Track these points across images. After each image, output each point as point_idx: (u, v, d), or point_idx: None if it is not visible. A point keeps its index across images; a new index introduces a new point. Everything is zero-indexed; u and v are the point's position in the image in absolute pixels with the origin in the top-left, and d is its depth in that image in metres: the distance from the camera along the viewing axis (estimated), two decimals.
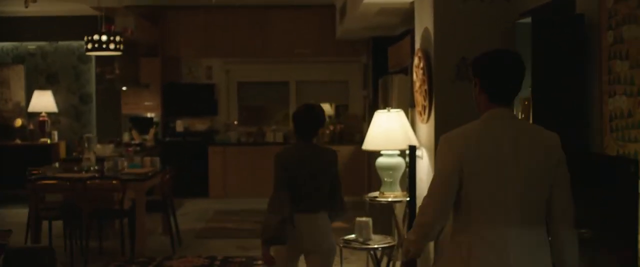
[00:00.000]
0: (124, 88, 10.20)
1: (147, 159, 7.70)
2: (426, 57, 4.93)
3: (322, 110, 4.28)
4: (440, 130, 4.69)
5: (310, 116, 4.17)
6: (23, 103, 10.78)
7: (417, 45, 5.38)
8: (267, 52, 10.59)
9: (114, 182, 6.52)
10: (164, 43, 10.57)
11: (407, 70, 6.52)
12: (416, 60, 5.26)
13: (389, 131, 5.16)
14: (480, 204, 2.61)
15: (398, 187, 5.32)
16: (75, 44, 10.56)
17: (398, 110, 5.33)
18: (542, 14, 4.09)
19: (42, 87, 10.73)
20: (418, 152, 5.25)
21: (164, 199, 7.08)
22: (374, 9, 6.92)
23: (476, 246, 2.60)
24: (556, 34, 3.58)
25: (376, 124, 5.27)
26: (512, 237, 2.57)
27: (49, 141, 10.28)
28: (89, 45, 7.13)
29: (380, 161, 5.28)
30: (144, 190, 6.73)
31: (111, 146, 8.54)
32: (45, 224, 6.79)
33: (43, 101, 10.47)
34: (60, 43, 10.79)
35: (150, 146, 10.04)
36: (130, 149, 8.12)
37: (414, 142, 5.18)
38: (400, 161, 5.30)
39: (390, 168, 5.27)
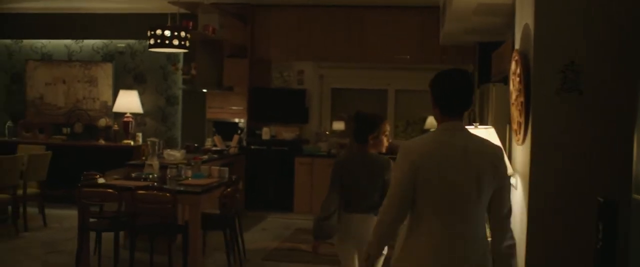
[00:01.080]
0: (204, 90, 9.55)
1: (215, 169, 6.96)
2: (524, 61, 3.87)
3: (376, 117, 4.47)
4: (539, 154, 3.67)
5: (368, 122, 4.40)
6: (110, 102, 10.40)
7: (516, 47, 4.31)
8: (365, 56, 9.64)
9: (165, 194, 5.78)
10: (253, 43, 9.86)
11: (508, 79, 5.41)
12: (513, 66, 4.19)
13: None
14: (431, 206, 2.89)
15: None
16: None
17: (488, 127, 4.26)
18: None
19: (130, 87, 10.31)
20: (512, 181, 4.18)
21: (223, 214, 6.29)
22: (470, 6, 5.85)
23: (427, 243, 2.89)
24: None
25: None
26: (458, 236, 2.87)
27: (131, 143, 9.81)
28: (151, 41, 6.46)
29: None
30: (199, 204, 5.96)
31: (182, 151, 7.88)
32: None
33: (128, 101, 10.02)
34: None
35: (234, 153, 9.35)
36: (198, 157, 7.40)
37: (508, 168, 4.09)
38: None
39: None
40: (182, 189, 6.01)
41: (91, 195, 5.97)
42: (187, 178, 6.58)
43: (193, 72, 8.50)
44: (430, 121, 10.25)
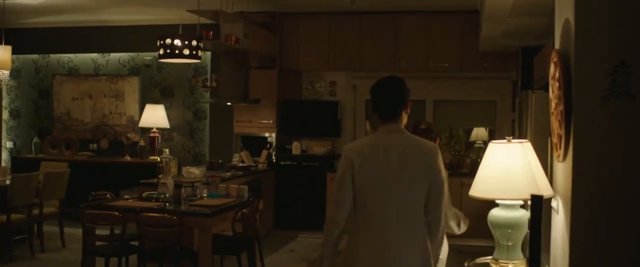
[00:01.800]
0: (228, 103, 9.09)
1: (234, 187, 6.49)
2: (564, 62, 3.27)
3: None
4: (582, 173, 3.09)
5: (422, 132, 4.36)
6: (136, 117, 10.04)
7: (555, 47, 3.71)
8: (400, 65, 9.05)
9: (172, 217, 5.31)
10: (282, 53, 9.37)
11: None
12: (552, 69, 3.59)
13: (509, 172, 3.54)
14: (369, 203, 3.16)
15: (520, 254, 3.67)
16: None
17: (522, 141, 3.66)
18: None
19: (157, 101, 9.94)
20: (553, 204, 3.59)
21: (236, 237, 5.77)
22: (507, 5, 5.24)
23: (364, 237, 3.16)
24: None
25: (490, 160, 3.65)
26: (392, 227, 3.13)
27: (158, 159, 9.39)
28: (161, 51, 6.01)
29: (495, 214, 3.67)
30: (209, 226, 5.47)
31: (202, 168, 7.41)
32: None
33: (154, 116, 9.65)
34: None
35: (262, 169, 8.86)
36: (216, 174, 6.92)
37: (545, 189, 3.52)
38: (523, 216, 3.66)
39: (509, 225, 3.63)
40: (191, 210, 5.53)
41: (94, 217, 5.53)
42: (202, 198, 6.12)
43: (214, 84, 8.03)
44: (476, 133, 9.63)
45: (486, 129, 9.57)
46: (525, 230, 3.66)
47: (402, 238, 3.13)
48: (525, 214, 3.66)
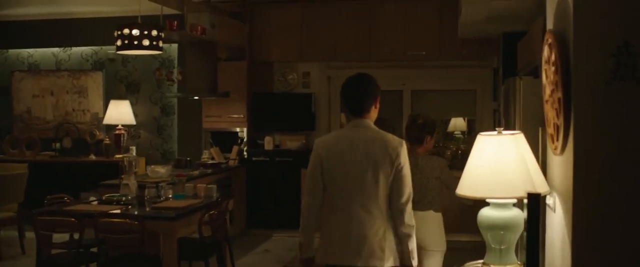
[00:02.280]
0: (195, 97, 8.66)
1: (201, 187, 6.08)
2: (561, 44, 2.92)
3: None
4: (584, 167, 2.75)
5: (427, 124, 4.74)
6: (101, 114, 9.56)
7: (549, 27, 3.35)
8: (376, 54, 8.68)
9: (133, 222, 4.88)
10: (252, 44, 8.94)
11: (538, 71, 4.44)
12: (545, 52, 3.23)
13: (500, 167, 3.17)
14: (336, 190, 3.42)
15: (513, 257, 3.31)
16: None
17: (515, 132, 3.29)
18: None
19: (122, 97, 9.47)
20: (548, 201, 3.25)
21: (202, 241, 5.36)
22: None
23: (332, 221, 3.45)
24: None
25: (478, 155, 3.28)
26: (355, 215, 3.39)
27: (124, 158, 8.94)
28: (118, 42, 5.57)
29: (486, 215, 3.31)
30: (174, 231, 5.05)
31: (168, 167, 6.99)
32: None
33: (120, 112, 9.17)
34: None
35: (233, 166, 8.44)
36: (182, 173, 6.50)
37: (541, 185, 3.17)
38: (517, 216, 3.30)
39: (502, 227, 3.26)
40: (153, 213, 5.11)
41: (48, 224, 5.08)
42: (167, 199, 5.70)
43: (179, 77, 7.59)
44: (454, 123, 9.29)
45: (464, 119, 9.24)
46: (519, 231, 3.30)
47: (367, 226, 3.39)
48: (519, 214, 3.29)
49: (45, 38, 9.77)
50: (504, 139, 3.21)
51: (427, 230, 4.51)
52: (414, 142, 4.63)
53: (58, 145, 9.60)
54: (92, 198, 6.11)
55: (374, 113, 3.53)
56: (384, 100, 9.18)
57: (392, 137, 3.49)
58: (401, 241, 3.46)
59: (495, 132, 3.28)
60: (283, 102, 9.02)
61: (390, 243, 3.44)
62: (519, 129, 4.42)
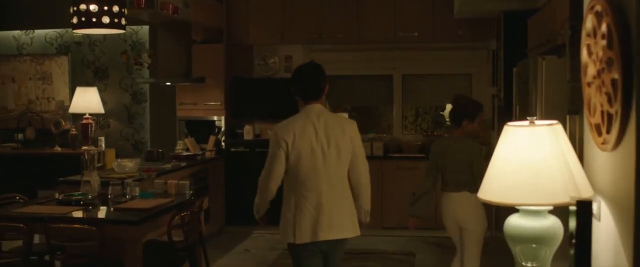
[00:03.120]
0: (168, 83, 7.97)
1: (172, 183, 5.42)
2: (616, 10, 2.28)
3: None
4: None
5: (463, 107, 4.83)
6: (67, 102, 8.83)
7: None
8: (364, 35, 8.03)
9: (91, 227, 4.21)
10: (229, 25, 8.25)
11: (561, 50, 3.80)
12: (589, 22, 2.59)
13: (535, 166, 2.58)
14: (301, 171, 3.70)
15: None
16: (128, 30, 8.39)
17: (552, 122, 2.66)
18: None
19: (89, 83, 8.75)
20: (593, 208, 2.64)
21: (172, 245, 4.70)
22: None
23: (299, 201, 3.72)
24: None
25: (505, 151, 2.67)
26: (323, 193, 3.69)
27: (93, 149, 8.22)
28: (74, 19, 4.86)
29: (514, 224, 2.71)
30: (140, 236, 4.39)
31: (137, 161, 6.31)
32: None
33: (87, 100, 8.41)
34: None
35: (210, 158, 7.77)
36: (151, 168, 5.82)
37: (585, 188, 2.55)
38: (554, 226, 2.69)
39: (535, 239, 2.68)
40: (114, 217, 4.44)
41: None
42: (133, 198, 5.03)
43: (148, 60, 6.88)
44: (448, 110, 8.67)
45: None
46: (556, 245, 2.69)
47: (332, 201, 3.71)
48: (555, 223, 2.68)
49: (5, 20, 8.99)
50: (539, 131, 2.60)
51: (463, 210, 4.64)
52: (453, 124, 4.80)
53: (20, 136, 8.87)
54: (50, 197, 5.41)
55: (322, 99, 3.85)
56: (373, 85, 8.60)
57: (346, 119, 4.00)
58: (360, 195, 3.88)
59: (525, 122, 2.66)
60: (264, 88, 8.34)
61: (353, 214, 3.84)
62: (541, 118, 3.81)
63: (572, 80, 3.50)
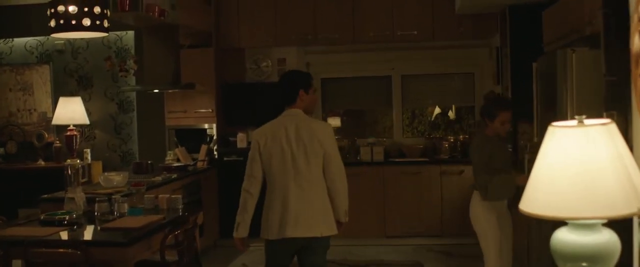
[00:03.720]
0: (155, 90, 7.56)
1: (164, 198, 5.03)
2: None
3: None
4: None
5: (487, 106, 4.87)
6: (50, 113, 8.41)
7: None
8: (361, 35, 7.67)
9: (75, 251, 3.80)
10: (219, 28, 7.86)
11: (591, 41, 3.43)
12: None
13: (589, 173, 2.19)
14: (274, 173, 3.93)
15: None
16: (112, 36, 8.01)
17: (605, 121, 2.29)
18: None
19: (73, 93, 8.34)
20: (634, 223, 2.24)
21: (163, 265, 4.30)
22: None
23: (270, 198, 3.99)
24: None
25: (552, 155, 2.29)
26: (291, 191, 3.88)
27: (78, 162, 7.80)
28: (52, 23, 4.45)
29: (562, 239, 2.34)
30: (129, 259, 3.98)
31: (125, 174, 5.91)
32: None
33: (71, 110, 7.99)
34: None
35: (202, 168, 7.37)
36: (140, 182, 5.41)
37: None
38: (610, 241, 2.32)
39: (588, 257, 2.30)
40: (100, 238, 4.04)
41: None
42: (121, 216, 4.63)
43: (133, 67, 6.48)
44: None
45: (452, 108, 8.36)
46: (611, 264, 2.31)
47: (301, 200, 3.88)
48: (611, 238, 2.31)
49: None
50: (591, 132, 2.22)
51: (471, 211, 4.73)
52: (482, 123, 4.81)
53: (2, 150, 8.45)
54: (32, 217, 5.00)
55: (300, 103, 4.00)
56: (371, 86, 8.21)
57: (318, 123, 4.12)
58: (336, 195, 3.98)
59: (573, 122, 2.28)
60: (256, 93, 7.94)
61: (326, 214, 3.95)
62: (573, 116, 3.44)
63: (608, 74, 3.13)
